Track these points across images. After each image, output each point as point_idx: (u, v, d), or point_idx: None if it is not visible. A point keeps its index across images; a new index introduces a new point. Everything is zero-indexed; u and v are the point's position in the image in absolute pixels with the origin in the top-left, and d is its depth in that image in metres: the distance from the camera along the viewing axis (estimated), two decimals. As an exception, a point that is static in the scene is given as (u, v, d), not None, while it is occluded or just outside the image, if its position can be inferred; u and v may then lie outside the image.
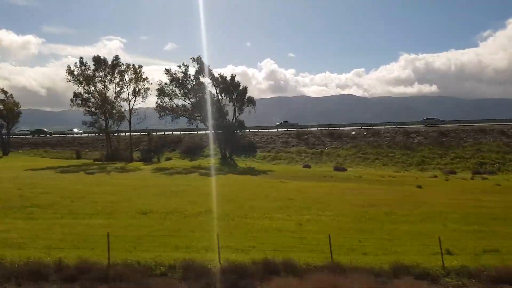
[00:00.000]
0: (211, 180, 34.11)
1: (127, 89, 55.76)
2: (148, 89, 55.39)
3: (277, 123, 72.75)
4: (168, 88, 54.56)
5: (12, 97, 66.05)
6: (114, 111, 56.84)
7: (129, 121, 56.14)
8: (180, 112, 54.59)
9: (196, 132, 67.77)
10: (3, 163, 51.01)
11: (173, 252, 12.09)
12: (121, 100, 56.87)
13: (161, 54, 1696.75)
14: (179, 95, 54.97)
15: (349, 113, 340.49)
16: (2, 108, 64.24)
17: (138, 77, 54.84)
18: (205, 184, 31.33)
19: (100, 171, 41.13)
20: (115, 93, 56.57)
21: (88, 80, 56.33)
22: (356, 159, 48.95)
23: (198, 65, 55.04)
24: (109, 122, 57.51)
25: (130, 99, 55.89)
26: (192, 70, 55.59)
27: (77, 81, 56.45)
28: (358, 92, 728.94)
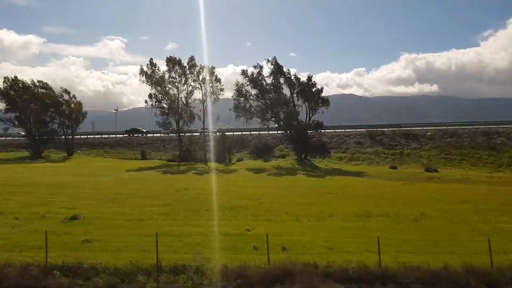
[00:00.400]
0: (334, 181, 34.13)
1: (201, 90, 55.70)
2: (222, 89, 55.38)
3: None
4: (244, 89, 54.57)
5: (75, 98, 66.15)
6: (185, 112, 56.75)
7: (203, 122, 56.11)
8: (254, 113, 54.52)
9: (257, 132, 67.88)
10: (80, 164, 50.88)
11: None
12: (193, 100, 56.82)
13: (162, 53, 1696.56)
14: (254, 95, 54.95)
15: (350, 113, 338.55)
16: (63, 108, 64.27)
17: (213, 78, 54.78)
18: (346, 184, 31.16)
19: (202, 172, 41.05)
20: (187, 93, 56.55)
21: (159, 81, 56.41)
22: (441, 160, 48.89)
23: (272, 66, 55.08)
24: (179, 122, 57.47)
25: (204, 99, 55.77)
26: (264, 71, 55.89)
27: (150, 82, 56.57)
28: (359, 92, 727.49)
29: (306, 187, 29.35)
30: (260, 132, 66.45)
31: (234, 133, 66.76)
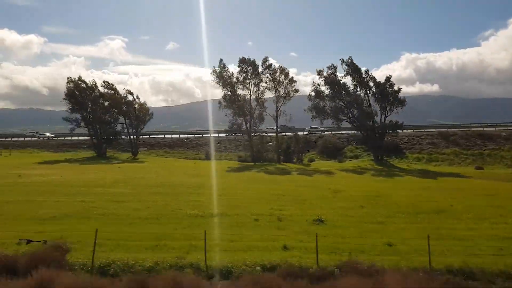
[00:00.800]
0: (450, 182, 34.02)
1: (275, 90, 55.70)
2: (297, 90, 55.32)
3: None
4: (319, 89, 54.60)
5: (139, 98, 66.34)
6: (256, 112, 56.87)
7: (276, 122, 56.17)
8: (329, 113, 54.50)
9: (318, 132, 67.93)
10: (162, 164, 50.93)
11: None
12: (264, 101, 56.88)
13: (162, 53, 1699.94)
14: (329, 96, 54.95)
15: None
16: (132, 108, 64.54)
17: (287, 79, 54.78)
18: (472, 186, 30.91)
19: (305, 173, 40.89)
20: (259, 93, 56.63)
21: (230, 82, 56.61)
22: (524, 160, 48.69)
23: (347, 66, 54.98)
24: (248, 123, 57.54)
25: (277, 100, 55.77)
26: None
27: (222, 83, 56.75)
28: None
29: (447, 189, 29.13)
30: (325, 132, 66.59)
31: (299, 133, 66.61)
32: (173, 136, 76.33)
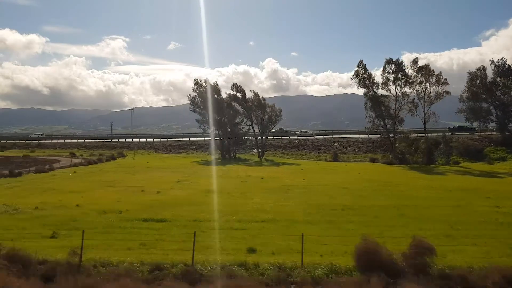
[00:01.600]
0: None
1: (423, 91, 54.88)
2: (448, 93, 54.34)
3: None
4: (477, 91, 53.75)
5: (264, 99, 66.60)
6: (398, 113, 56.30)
7: (424, 124, 55.33)
8: (484, 115, 53.43)
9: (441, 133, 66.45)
10: (311, 166, 50.81)
11: None
12: (407, 101, 56.23)
13: (163, 53, 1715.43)
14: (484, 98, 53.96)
15: (353, 113, 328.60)
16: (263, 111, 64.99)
17: (439, 79, 53.98)
18: None
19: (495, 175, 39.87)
20: (401, 94, 56.06)
21: (370, 81, 56.36)
22: None
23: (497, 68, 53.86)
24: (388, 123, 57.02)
25: (426, 100, 54.94)
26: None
27: (362, 84, 56.53)
28: (360, 91, 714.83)
29: None
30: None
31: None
32: (283, 138, 76.27)
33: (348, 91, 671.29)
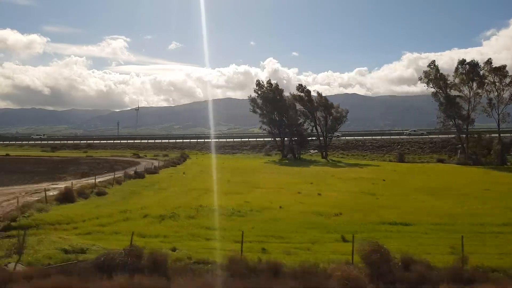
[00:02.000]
0: None
1: (497, 91, 55.21)
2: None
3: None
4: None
5: (326, 100, 66.55)
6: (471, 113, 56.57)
7: (498, 124, 55.66)
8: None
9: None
10: (414, 168, 50.64)
11: None
12: (478, 103, 56.56)
13: (164, 53, 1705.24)
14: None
15: (354, 113, 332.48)
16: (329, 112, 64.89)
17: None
18: None
19: None
20: (473, 94, 56.39)
21: (442, 82, 56.64)
22: None
23: None
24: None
25: (498, 100, 55.17)
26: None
27: (436, 85, 56.83)
28: (361, 91, 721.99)
29: None
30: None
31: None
32: (340, 138, 76.27)
33: (349, 91, 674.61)
